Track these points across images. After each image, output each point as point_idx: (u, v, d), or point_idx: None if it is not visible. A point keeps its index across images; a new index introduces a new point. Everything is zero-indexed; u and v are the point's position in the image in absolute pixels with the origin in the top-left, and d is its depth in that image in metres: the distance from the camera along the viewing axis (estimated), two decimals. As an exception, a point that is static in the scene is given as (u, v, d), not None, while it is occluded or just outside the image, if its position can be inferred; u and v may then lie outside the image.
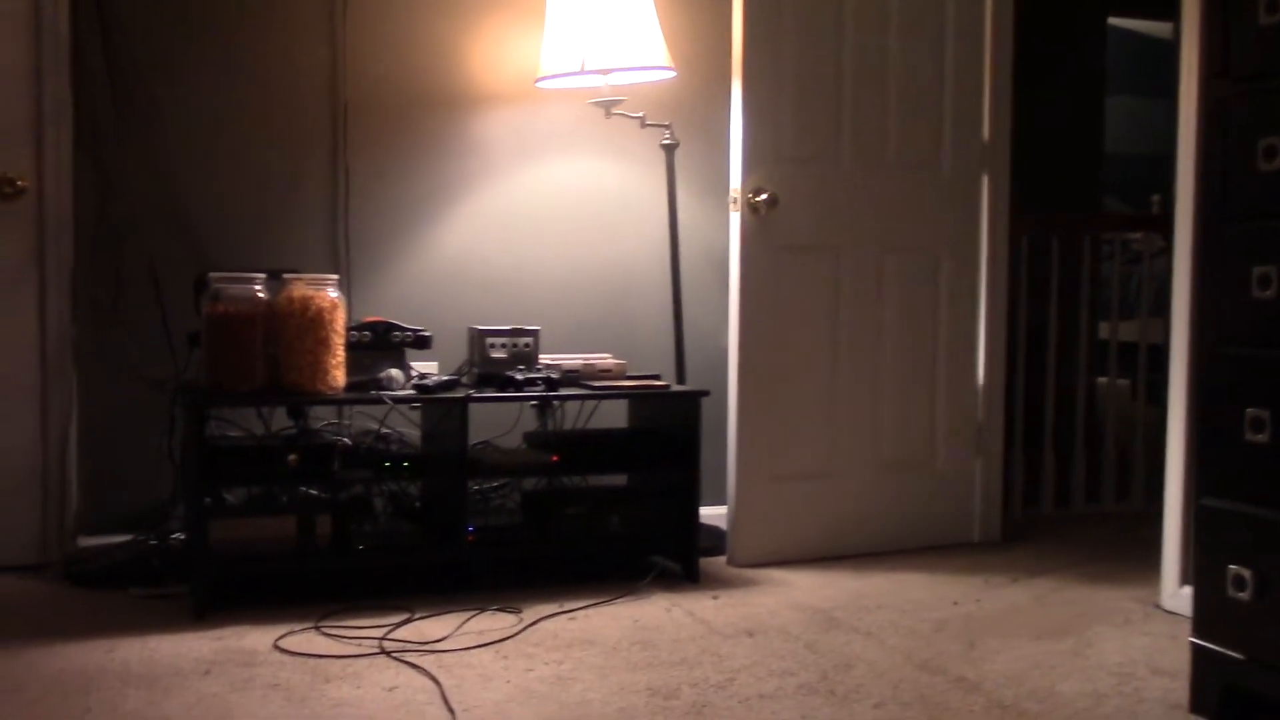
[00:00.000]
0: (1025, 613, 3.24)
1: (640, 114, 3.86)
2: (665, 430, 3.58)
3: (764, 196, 3.62)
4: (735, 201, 3.63)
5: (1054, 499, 4.54)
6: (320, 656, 2.78)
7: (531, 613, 3.13)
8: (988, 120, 3.97)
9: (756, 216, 3.63)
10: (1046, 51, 4.97)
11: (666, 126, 3.90)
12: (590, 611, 3.17)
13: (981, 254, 3.99)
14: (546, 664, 2.76)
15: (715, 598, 3.34)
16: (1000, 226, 4.02)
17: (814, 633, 3.03)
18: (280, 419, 3.51)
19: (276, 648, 2.84)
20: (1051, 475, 4.53)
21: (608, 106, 3.81)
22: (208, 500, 3.18)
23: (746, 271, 3.64)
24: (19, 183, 3.48)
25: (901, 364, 3.90)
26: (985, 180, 3.98)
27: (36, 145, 3.50)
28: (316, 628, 2.98)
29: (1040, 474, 4.52)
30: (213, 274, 3.22)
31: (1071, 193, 5.26)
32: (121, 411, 3.63)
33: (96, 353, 3.62)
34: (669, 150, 3.92)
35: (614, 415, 3.84)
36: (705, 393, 3.53)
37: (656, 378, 3.65)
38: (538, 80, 3.83)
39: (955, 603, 3.31)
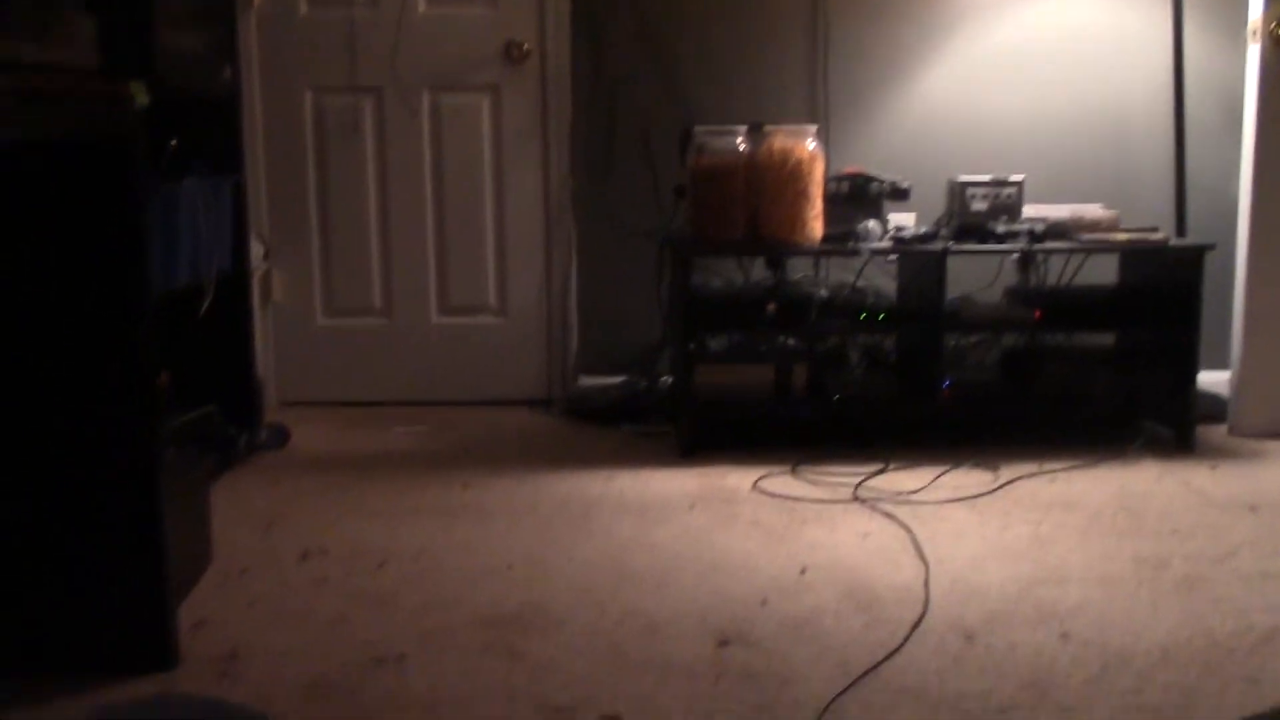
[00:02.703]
0: None
1: (1145, -60, 3.52)
2: (1161, 287, 3.33)
3: (1291, 25, 3.21)
4: (1255, 34, 3.25)
5: None
6: (797, 499, 2.88)
7: (1008, 471, 3.06)
8: None
9: (1281, 49, 3.24)
10: None
11: (1175, -48, 3.53)
12: (1071, 474, 3.05)
13: None
14: (1024, 524, 2.70)
15: (1213, 468, 3.11)
16: None
17: (1330, 512, 2.76)
18: (759, 270, 3.60)
19: (756, 488, 2.97)
20: None
21: (1108, -66, 3.50)
22: (692, 345, 3.34)
23: (1265, 112, 3.26)
24: (524, 46, 3.75)
25: None
26: None
27: (539, 10, 3.75)
28: (793, 472, 3.08)
29: None
30: (697, 128, 3.32)
31: None
32: (614, 261, 3.86)
33: (592, 204, 3.86)
34: (1177, -21, 3.56)
35: (1103, 271, 3.61)
36: (1210, 246, 3.24)
37: (1153, 230, 3.39)
38: (1029, -90, 3.58)
39: None
